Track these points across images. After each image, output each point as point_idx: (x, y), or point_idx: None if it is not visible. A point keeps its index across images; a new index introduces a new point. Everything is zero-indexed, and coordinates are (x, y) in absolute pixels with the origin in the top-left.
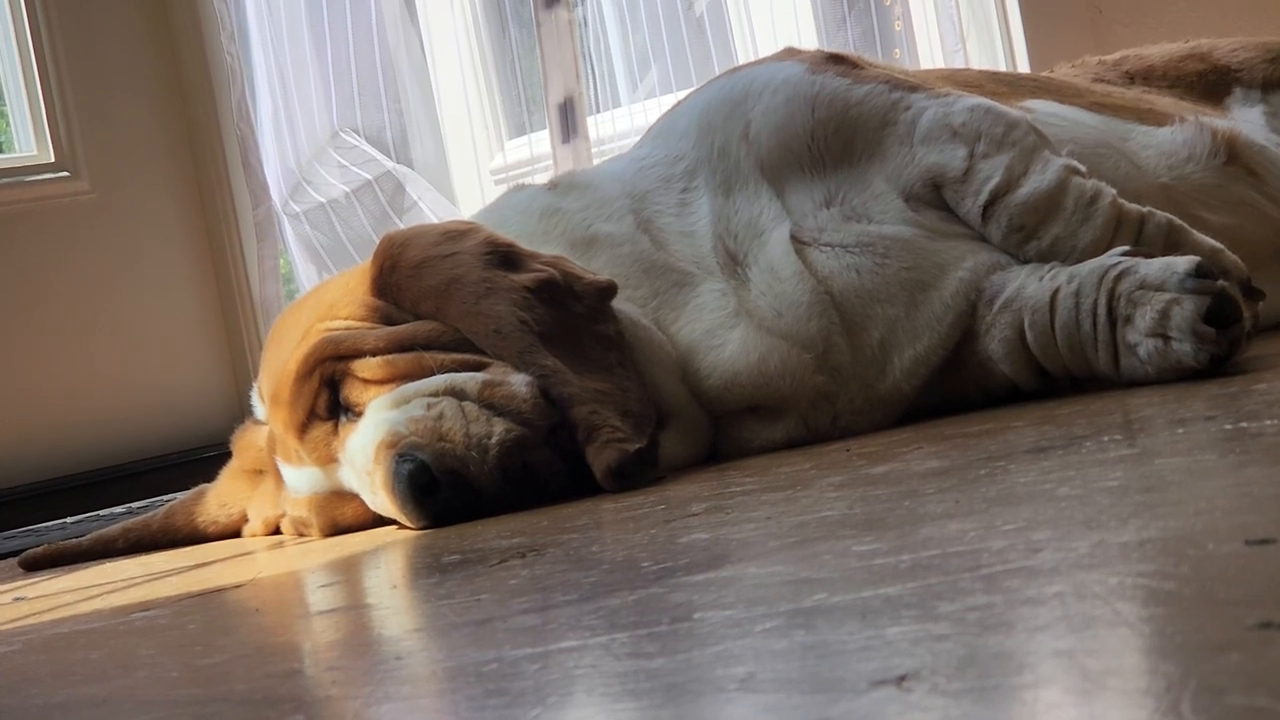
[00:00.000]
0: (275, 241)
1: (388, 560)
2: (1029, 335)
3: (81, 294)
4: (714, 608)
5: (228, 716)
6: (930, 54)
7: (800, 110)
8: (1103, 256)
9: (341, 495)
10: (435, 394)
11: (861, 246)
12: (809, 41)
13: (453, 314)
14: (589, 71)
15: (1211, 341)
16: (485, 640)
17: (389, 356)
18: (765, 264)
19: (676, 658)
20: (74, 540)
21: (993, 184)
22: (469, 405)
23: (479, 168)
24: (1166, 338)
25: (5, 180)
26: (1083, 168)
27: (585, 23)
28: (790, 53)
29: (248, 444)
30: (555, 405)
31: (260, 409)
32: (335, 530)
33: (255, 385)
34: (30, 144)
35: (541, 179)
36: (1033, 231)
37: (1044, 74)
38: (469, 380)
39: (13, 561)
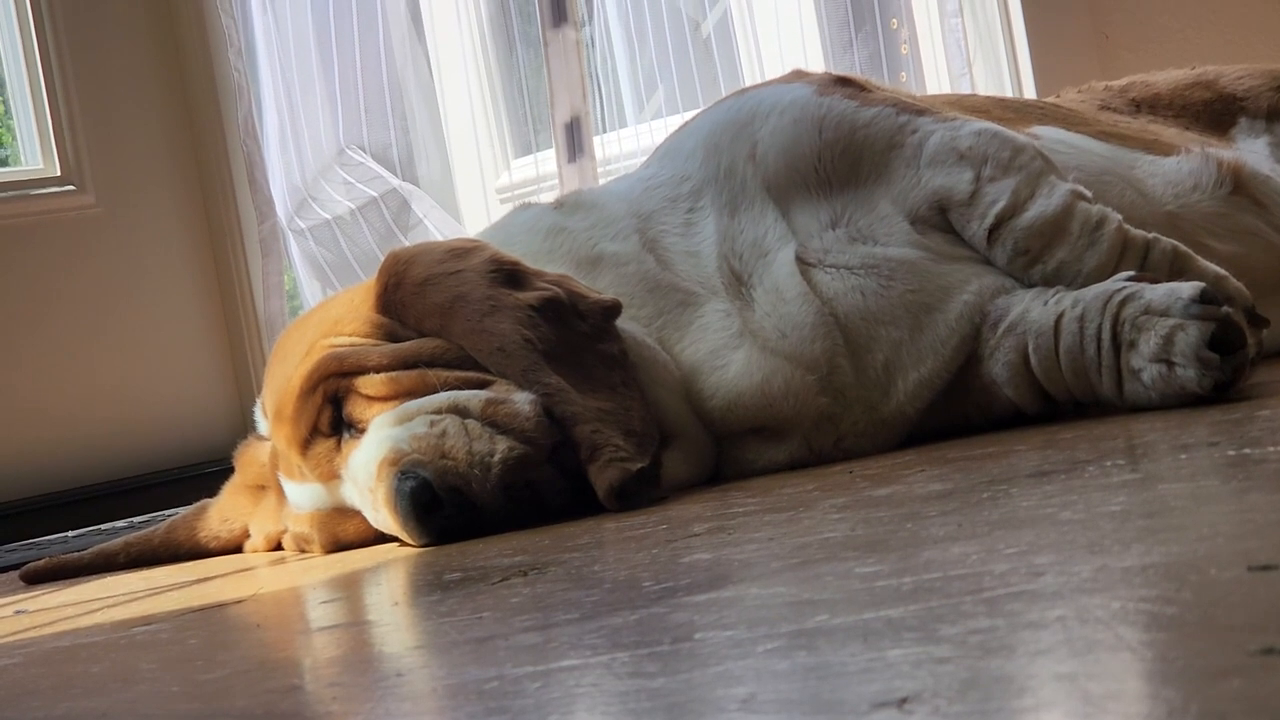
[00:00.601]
0: (280, 257)
1: (389, 577)
2: (1033, 359)
3: (85, 307)
4: (715, 628)
5: None
6: (937, 77)
7: (808, 131)
8: (1107, 281)
9: (344, 512)
10: (438, 411)
11: (866, 268)
12: (815, 64)
13: (457, 331)
14: (596, 91)
15: (1215, 367)
16: (486, 658)
17: (393, 373)
18: (770, 285)
19: (678, 677)
20: (75, 554)
21: (998, 207)
22: (472, 423)
23: (485, 186)
24: (1170, 363)
25: (11, 193)
26: (1088, 193)
27: (593, 43)
28: (798, 75)
29: (250, 459)
30: (558, 424)
31: (263, 424)
32: (337, 547)
33: (258, 401)
34: (36, 157)
35: (547, 198)
36: (1038, 255)
37: (1050, 100)
38: (472, 398)
39: (14, 575)
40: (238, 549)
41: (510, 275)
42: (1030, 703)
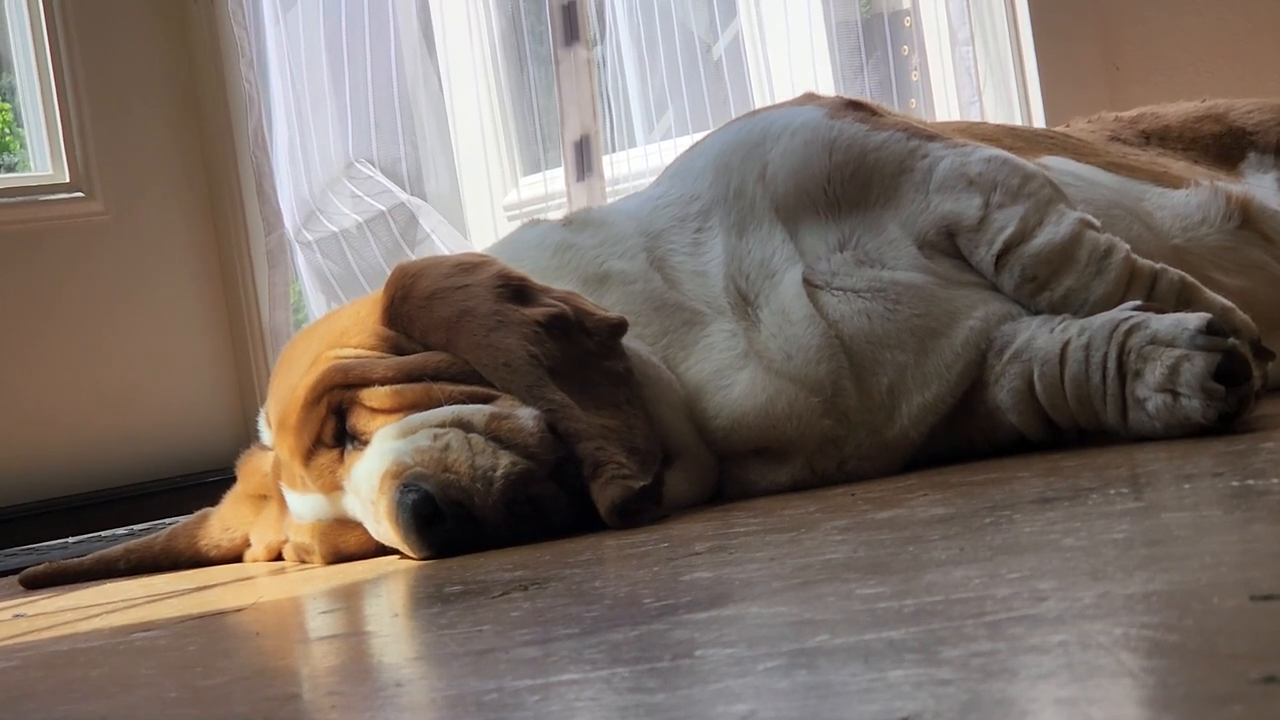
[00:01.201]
0: (287, 269)
1: (389, 589)
2: (1038, 387)
3: (91, 314)
4: (716, 645)
5: None
6: (946, 105)
7: (818, 153)
8: (1114, 310)
9: (345, 523)
10: (442, 425)
11: (873, 291)
12: (826, 88)
13: (463, 346)
14: (606, 111)
15: (1220, 399)
16: (486, 670)
17: (397, 386)
18: (776, 306)
19: (677, 693)
20: (75, 560)
21: (1007, 234)
22: (475, 437)
23: (493, 203)
24: (1176, 393)
25: (20, 199)
26: (1097, 222)
27: (604, 62)
28: (810, 97)
29: (253, 469)
30: (562, 440)
31: (267, 434)
32: (338, 558)
33: (262, 410)
34: (46, 164)
35: (555, 216)
36: (1045, 283)
37: (1060, 130)
38: (476, 412)
39: (13, 579)
40: (238, 558)
41: (517, 291)
42: None
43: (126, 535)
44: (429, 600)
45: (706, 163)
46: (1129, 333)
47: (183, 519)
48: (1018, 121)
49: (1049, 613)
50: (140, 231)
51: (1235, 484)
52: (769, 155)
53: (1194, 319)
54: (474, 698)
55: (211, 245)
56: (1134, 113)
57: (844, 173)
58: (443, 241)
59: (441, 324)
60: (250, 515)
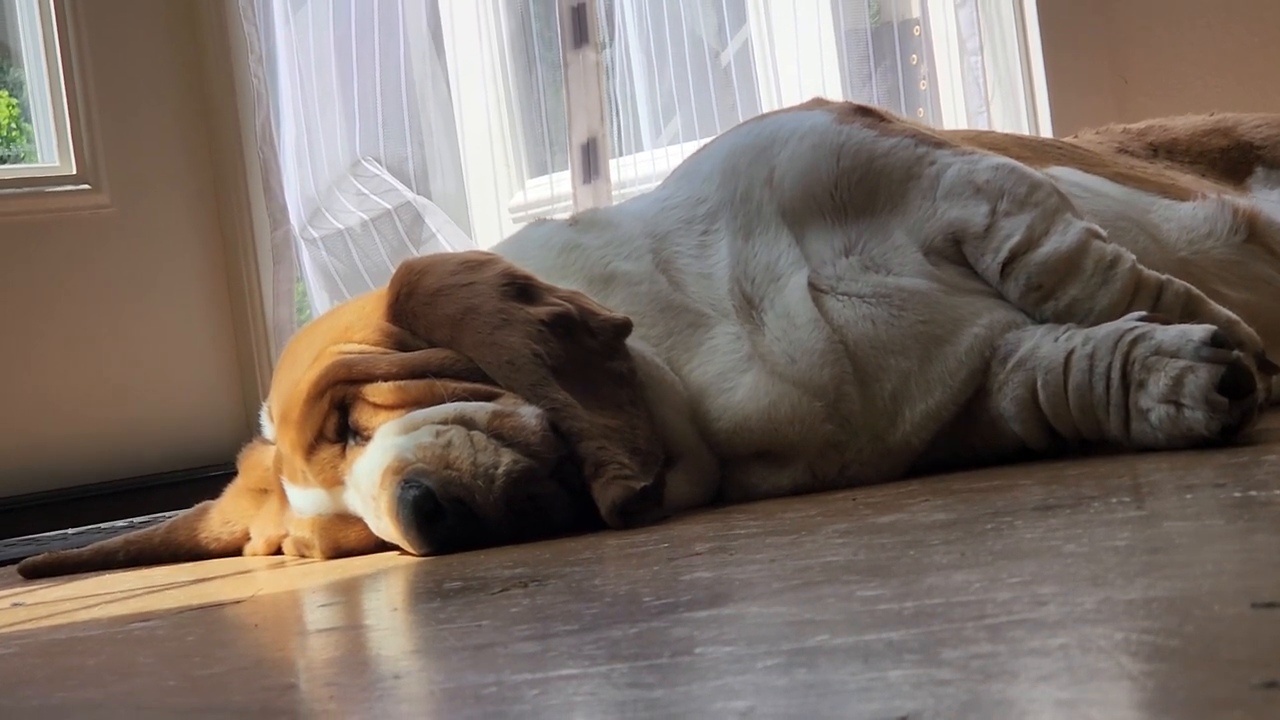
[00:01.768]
0: (291, 265)
1: (389, 583)
2: (1041, 395)
3: (95, 306)
4: (715, 643)
5: None
6: (954, 114)
7: (826, 158)
8: (1119, 320)
9: (345, 518)
10: (444, 422)
11: (878, 297)
12: (834, 96)
13: (467, 343)
14: (613, 114)
15: (1224, 411)
16: (485, 664)
17: (400, 382)
18: (781, 309)
19: (676, 689)
20: (74, 550)
21: (1013, 242)
22: (477, 435)
23: (499, 204)
24: (1179, 405)
25: (26, 190)
26: (1103, 232)
27: (612, 65)
28: (818, 103)
29: (254, 463)
30: (564, 439)
31: (269, 428)
32: (338, 553)
33: (265, 404)
34: (53, 155)
35: (561, 218)
36: (1050, 292)
37: (1068, 140)
38: (479, 410)
39: (12, 569)
40: (237, 551)
41: (522, 289)
42: None
43: (126, 528)
44: (428, 595)
45: (714, 165)
46: (1133, 343)
47: (183, 512)
48: (1025, 132)
49: (1049, 617)
50: (146, 225)
51: (1237, 495)
52: (777, 159)
53: (1199, 331)
54: (472, 690)
55: (217, 240)
56: (1142, 125)
57: (851, 178)
58: (448, 241)
59: (446, 321)
60: (251, 509)
